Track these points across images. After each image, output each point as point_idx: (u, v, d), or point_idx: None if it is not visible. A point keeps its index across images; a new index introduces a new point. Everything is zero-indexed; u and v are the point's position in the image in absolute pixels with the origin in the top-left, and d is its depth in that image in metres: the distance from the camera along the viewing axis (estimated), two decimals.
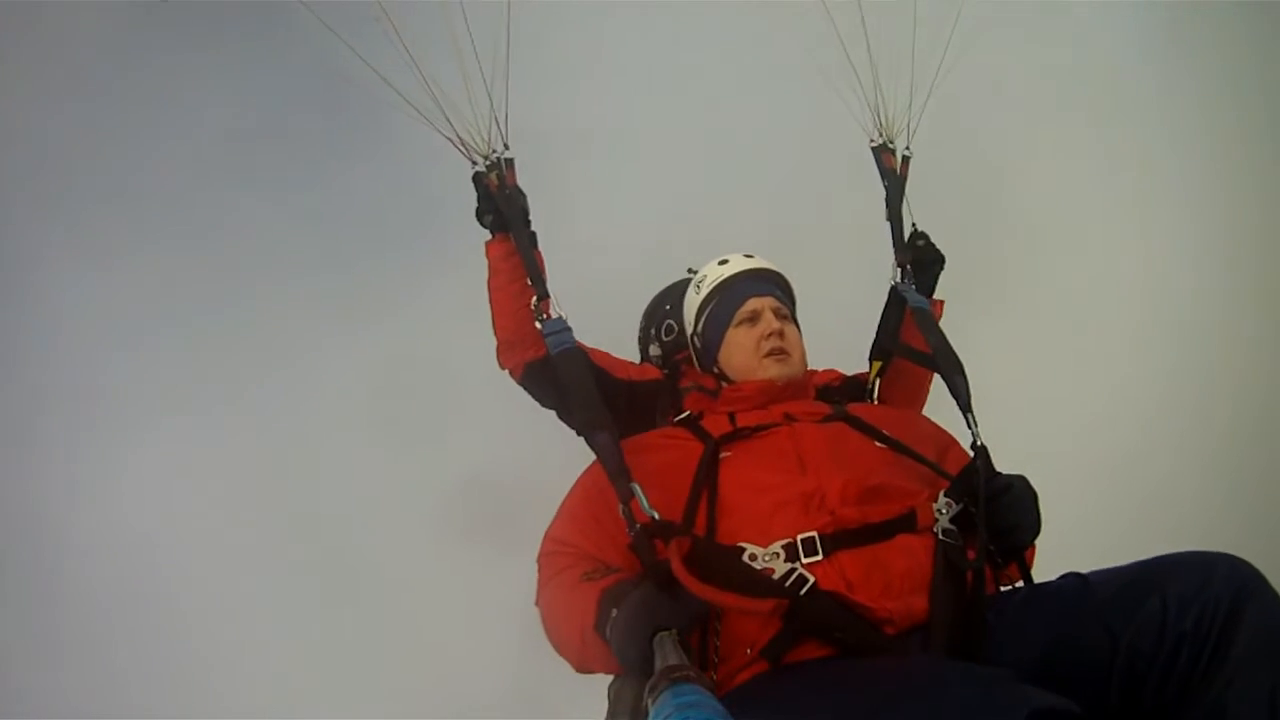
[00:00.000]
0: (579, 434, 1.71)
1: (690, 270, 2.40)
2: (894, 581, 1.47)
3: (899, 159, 2.24)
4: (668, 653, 1.29)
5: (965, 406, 1.78)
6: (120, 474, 3.43)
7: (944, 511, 1.57)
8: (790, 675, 1.43)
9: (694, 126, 3.71)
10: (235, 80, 3.49)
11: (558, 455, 1.98)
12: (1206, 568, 1.26)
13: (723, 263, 2.15)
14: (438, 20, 1.86)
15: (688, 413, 1.98)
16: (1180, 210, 3.86)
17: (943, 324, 2.07)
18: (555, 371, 1.83)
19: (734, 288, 2.08)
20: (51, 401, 3.44)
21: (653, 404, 2.14)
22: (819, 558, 1.50)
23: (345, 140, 3.51)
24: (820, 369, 2.20)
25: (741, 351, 2.03)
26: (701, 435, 1.81)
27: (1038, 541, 1.67)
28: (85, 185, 3.47)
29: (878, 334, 2.15)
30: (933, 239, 2.18)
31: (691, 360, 2.22)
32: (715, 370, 2.09)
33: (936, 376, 1.98)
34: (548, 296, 1.91)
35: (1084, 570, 1.45)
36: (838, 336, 2.28)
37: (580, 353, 1.86)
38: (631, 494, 1.55)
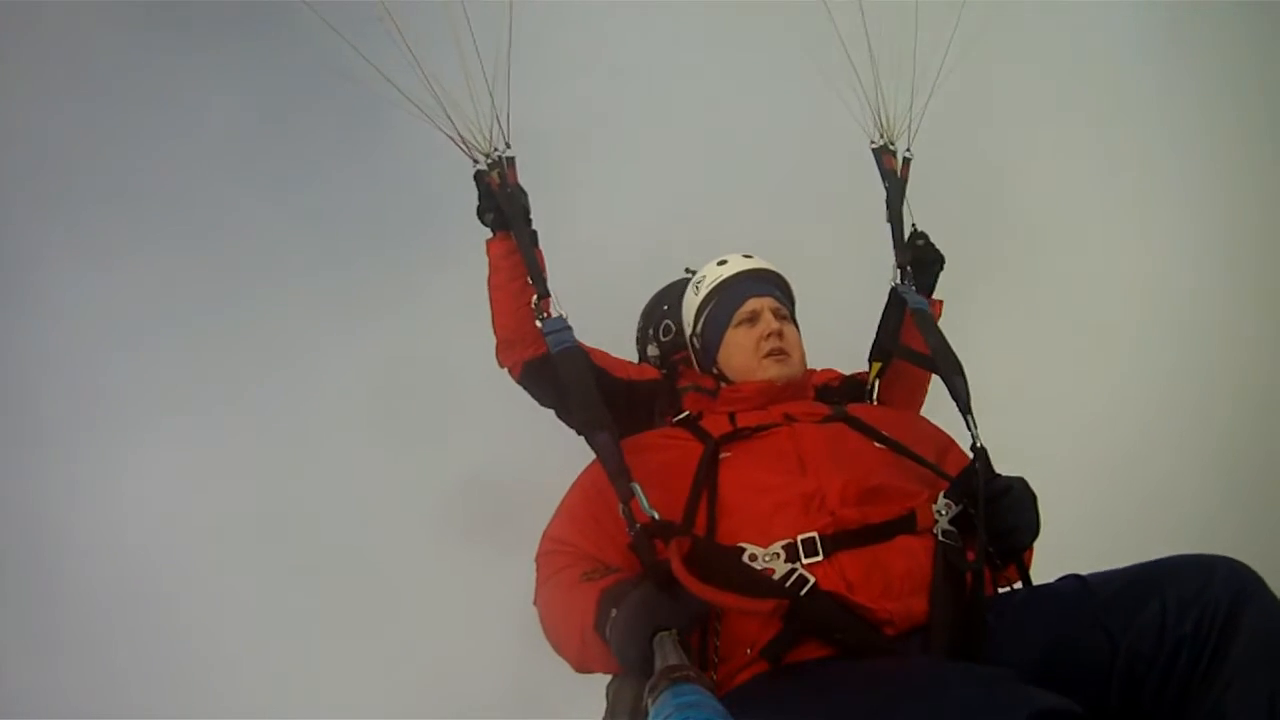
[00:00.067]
0: (579, 433, 1.71)
1: (688, 270, 2.40)
2: (894, 582, 1.47)
3: (899, 161, 2.24)
4: (668, 653, 1.29)
5: (965, 408, 1.78)
6: (120, 474, 3.43)
7: (943, 513, 1.57)
8: (790, 676, 1.43)
9: (694, 126, 3.71)
10: (235, 80, 3.49)
11: (557, 455, 1.98)
12: (1206, 571, 1.26)
13: (722, 263, 2.14)
14: (439, 19, 1.86)
15: (687, 413, 1.97)
16: (1180, 210, 3.87)
17: (942, 324, 2.07)
18: (555, 370, 1.83)
19: (733, 288, 2.07)
20: (51, 401, 3.44)
21: (651, 404, 2.14)
22: (819, 558, 1.50)
23: (345, 140, 3.51)
24: (819, 369, 2.20)
25: (741, 352, 2.02)
26: (701, 435, 1.81)
27: (1036, 542, 1.67)
28: (85, 185, 3.47)
29: (877, 335, 2.15)
30: (933, 239, 2.18)
31: (690, 360, 2.22)
32: (714, 371, 2.08)
33: (935, 377, 1.98)
34: (548, 295, 1.91)
35: (1082, 572, 1.45)
36: (838, 336, 2.28)
37: (580, 352, 1.86)
38: (631, 494, 1.55)
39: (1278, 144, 3.81)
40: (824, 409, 1.91)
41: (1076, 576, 1.45)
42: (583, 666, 1.62)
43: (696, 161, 3.68)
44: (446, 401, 3.47)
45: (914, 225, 2.18)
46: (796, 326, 2.10)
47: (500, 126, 1.93)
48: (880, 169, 2.23)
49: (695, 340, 2.14)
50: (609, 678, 1.68)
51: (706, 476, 1.68)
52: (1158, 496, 3.47)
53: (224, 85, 3.50)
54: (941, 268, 2.20)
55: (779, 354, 1.99)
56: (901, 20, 2.12)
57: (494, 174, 1.94)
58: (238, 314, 3.60)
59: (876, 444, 1.77)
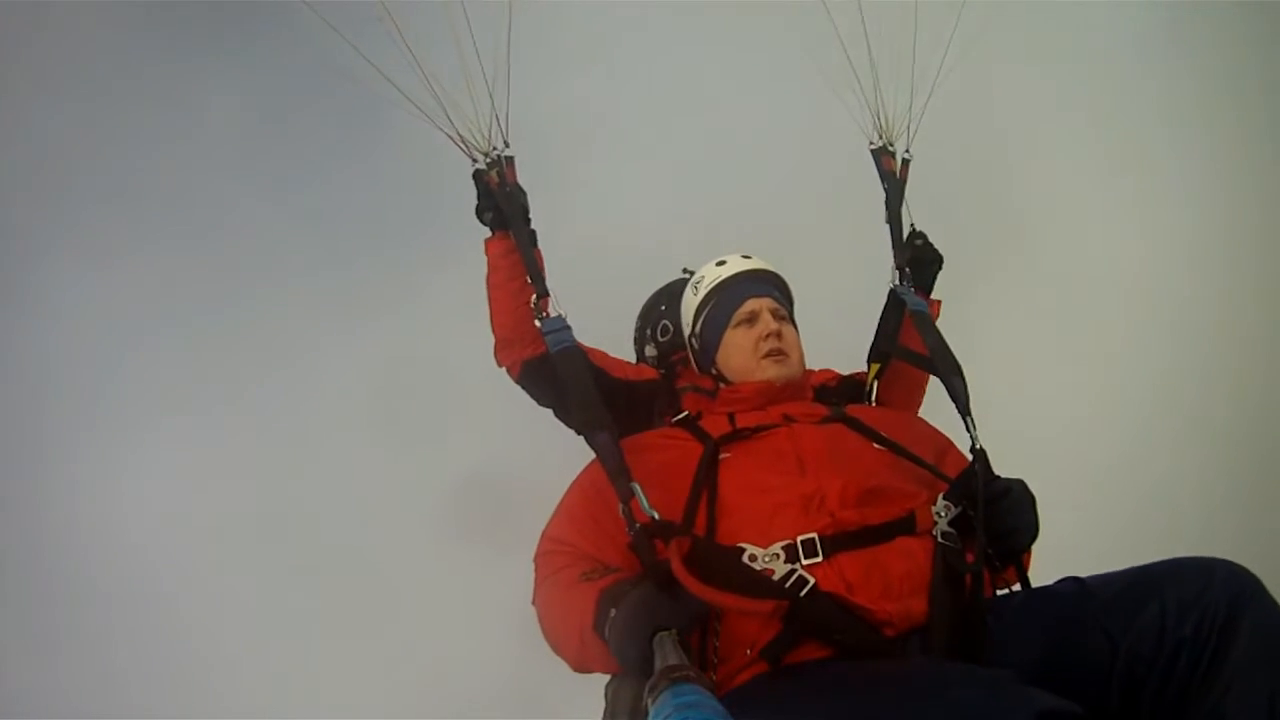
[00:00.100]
0: (578, 433, 1.71)
1: (685, 270, 2.40)
2: (893, 583, 1.47)
3: (898, 162, 2.24)
4: (667, 653, 1.29)
5: (964, 410, 1.78)
6: (120, 474, 3.43)
7: (943, 514, 1.57)
8: (790, 676, 1.42)
9: (694, 126, 3.71)
10: (235, 80, 3.49)
11: (557, 455, 1.98)
12: (1205, 573, 1.27)
13: (720, 264, 2.14)
14: (439, 18, 1.86)
15: (686, 413, 1.97)
16: (1180, 211, 3.86)
17: (941, 324, 2.07)
18: (554, 370, 1.83)
19: (732, 289, 2.07)
20: (51, 401, 3.44)
21: (650, 404, 2.14)
22: (819, 559, 1.50)
23: (345, 139, 3.52)
24: (816, 369, 2.20)
25: (740, 353, 2.02)
26: (701, 436, 1.81)
27: (1035, 544, 1.67)
28: (85, 185, 3.47)
29: (876, 336, 2.14)
30: (932, 239, 2.18)
31: (688, 361, 2.22)
32: (714, 371, 2.08)
33: (934, 378, 1.98)
34: (547, 294, 1.91)
35: (1081, 573, 1.45)
36: (837, 336, 2.28)
37: (579, 351, 1.86)
38: (631, 493, 1.55)
39: (1277, 144, 3.80)
40: (823, 410, 1.91)
41: (1075, 579, 1.46)
42: (581, 666, 1.62)
43: (696, 161, 3.68)
44: (446, 401, 3.47)
45: (913, 225, 2.18)
46: (795, 327, 2.10)
47: (499, 126, 1.93)
48: (879, 170, 2.23)
49: (694, 341, 2.14)
50: (608, 677, 1.68)
51: (706, 477, 1.68)
52: (1156, 498, 3.47)
53: (224, 85, 3.51)
54: (940, 267, 2.20)
55: (778, 354, 1.99)
56: (901, 20, 2.12)
57: (493, 173, 1.95)
58: (238, 314, 3.60)
59: (876, 445, 1.77)
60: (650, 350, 2.40)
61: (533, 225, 1.98)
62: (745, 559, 1.50)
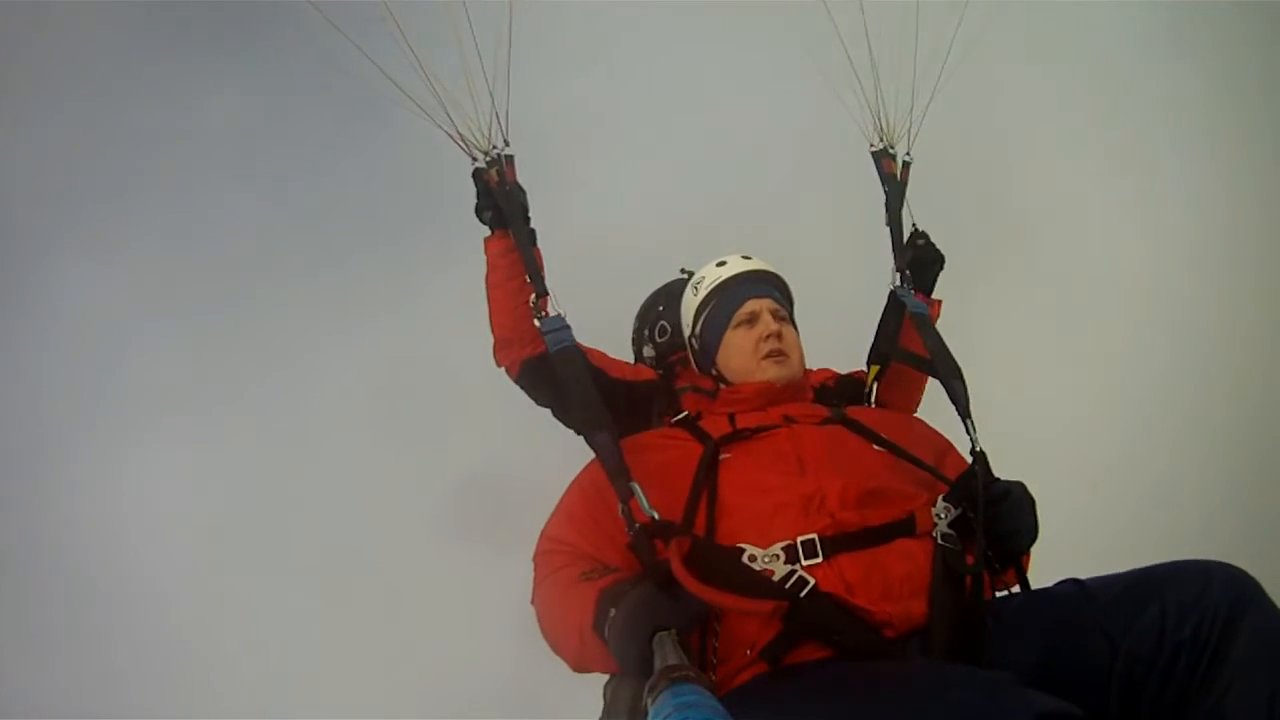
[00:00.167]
0: (577, 433, 1.71)
1: (683, 270, 2.40)
2: (893, 585, 1.47)
3: (899, 164, 2.24)
4: (667, 653, 1.29)
5: (964, 412, 1.78)
6: (120, 474, 3.43)
7: (943, 516, 1.57)
8: (790, 677, 1.42)
9: (694, 126, 3.71)
10: (235, 79, 3.49)
11: (557, 455, 1.98)
12: (1204, 576, 1.27)
13: (720, 264, 2.14)
14: (439, 17, 1.86)
15: (686, 413, 1.97)
16: (1180, 211, 3.86)
17: (941, 325, 2.07)
18: (553, 369, 1.83)
19: (732, 289, 2.07)
20: (51, 401, 3.44)
21: (649, 405, 2.14)
22: (819, 560, 1.50)
23: (345, 139, 3.52)
24: (815, 369, 2.20)
25: (740, 353, 2.02)
26: (701, 436, 1.81)
27: (1034, 546, 1.66)
28: (85, 185, 3.47)
29: (876, 338, 2.15)
30: (933, 240, 2.18)
31: (686, 361, 2.22)
32: (713, 372, 2.08)
33: (932, 378, 1.98)
34: (546, 294, 1.91)
35: (1081, 574, 1.45)
36: (837, 337, 2.28)
37: (578, 351, 1.86)
38: (631, 493, 1.55)
39: (1278, 144, 3.80)
40: (823, 411, 1.91)
41: (1075, 581, 1.46)
42: (581, 666, 1.61)
43: (696, 161, 3.68)
44: (446, 401, 3.47)
45: (914, 225, 2.18)
46: (795, 327, 2.10)
47: (499, 125, 1.93)
48: (880, 173, 2.23)
49: (694, 341, 2.14)
50: (607, 677, 1.68)
51: (706, 477, 1.68)
52: (1156, 499, 3.47)
53: (224, 85, 3.51)
54: (941, 267, 2.20)
55: (778, 355, 1.98)
56: (902, 21, 2.11)
57: (492, 172, 1.94)
58: (238, 314, 3.61)
59: (876, 446, 1.77)
60: (648, 351, 2.39)
61: (532, 224, 1.97)
62: (745, 559, 1.50)
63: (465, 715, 3.17)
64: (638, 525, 1.52)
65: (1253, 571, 1.28)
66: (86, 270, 3.44)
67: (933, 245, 2.18)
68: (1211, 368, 3.67)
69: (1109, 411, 3.67)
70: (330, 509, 3.52)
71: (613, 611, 1.43)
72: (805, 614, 1.42)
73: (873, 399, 2.18)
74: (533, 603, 1.70)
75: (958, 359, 1.88)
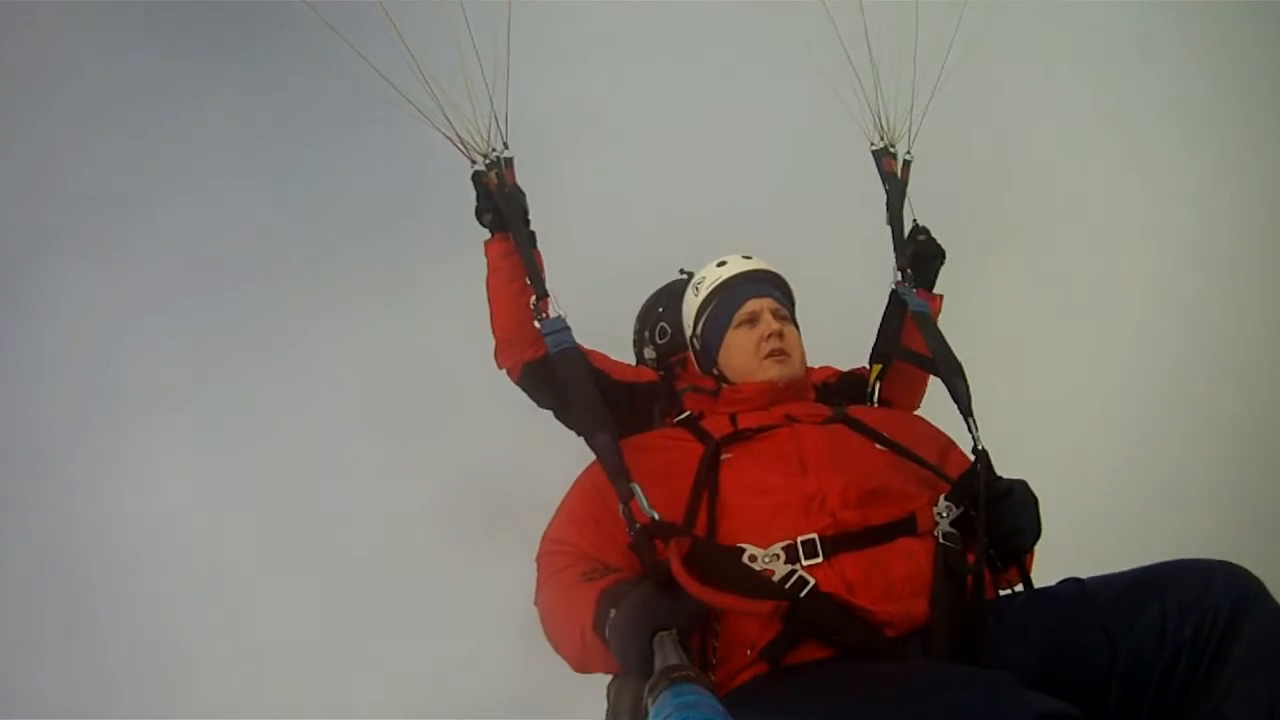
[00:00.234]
0: (578, 434, 1.71)
1: (682, 271, 2.40)
2: (895, 584, 1.47)
3: (899, 163, 2.24)
4: (668, 653, 1.28)
5: (966, 411, 1.77)
6: (120, 474, 3.43)
7: (944, 515, 1.56)
8: (790, 677, 1.42)
9: (693, 126, 3.71)
10: (235, 79, 3.49)
11: (557, 455, 1.98)
12: (1206, 576, 1.26)
13: (721, 264, 2.14)
14: (438, 19, 1.86)
15: (688, 413, 1.97)
16: (1185, 210, 3.86)
17: (943, 323, 2.07)
18: (554, 371, 1.83)
19: (733, 289, 2.07)
20: (51, 401, 3.44)
21: (651, 406, 2.13)
22: (819, 560, 1.49)
23: (344, 138, 3.51)
24: (816, 366, 2.20)
25: (741, 353, 2.02)
26: (702, 436, 1.81)
27: (1038, 544, 1.66)
28: (85, 185, 3.47)
29: (878, 337, 2.15)
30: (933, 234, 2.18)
31: (687, 362, 2.22)
32: (715, 372, 2.08)
33: (934, 376, 1.98)
34: (547, 295, 1.91)
35: (1085, 574, 1.45)
36: (838, 336, 2.28)
37: (579, 352, 1.86)
38: (631, 494, 1.55)
39: None
40: (825, 410, 1.91)
41: (1077, 580, 1.45)
42: (583, 667, 1.61)
43: (696, 161, 3.67)
44: (449, 402, 3.47)
45: (915, 220, 2.19)
46: (797, 327, 2.10)
47: (498, 127, 1.93)
48: (880, 171, 2.23)
49: (695, 341, 2.14)
50: (610, 678, 1.68)
51: (707, 477, 1.67)
52: (1161, 498, 3.46)
53: (224, 85, 3.51)
54: (942, 262, 2.21)
55: (779, 355, 1.98)
56: (902, 20, 2.11)
57: (492, 175, 1.94)
58: (239, 314, 3.61)
59: (878, 446, 1.77)
60: (649, 353, 2.40)
61: (532, 226, 1.97)
62: (745, 559, 1.49)
63: (466, 716, 3.18)
64: (638, 526, 1.52)
65: (1259, 571, 1.26)
66: (86, 270, 3.44)
67: (933, 240, 2.18)
68: (1216, 367, 3.67)
69: (1113, 411, 3.67)
70: (330, 509, 3.52)
71: (613, 612, 1.43)
72: (805, 614, 1.42)
73: (875, 398, 2.17)
74: (536, 603, 1.70)
75: (960, 358, 1.88)
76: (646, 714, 1.13)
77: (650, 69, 3.76)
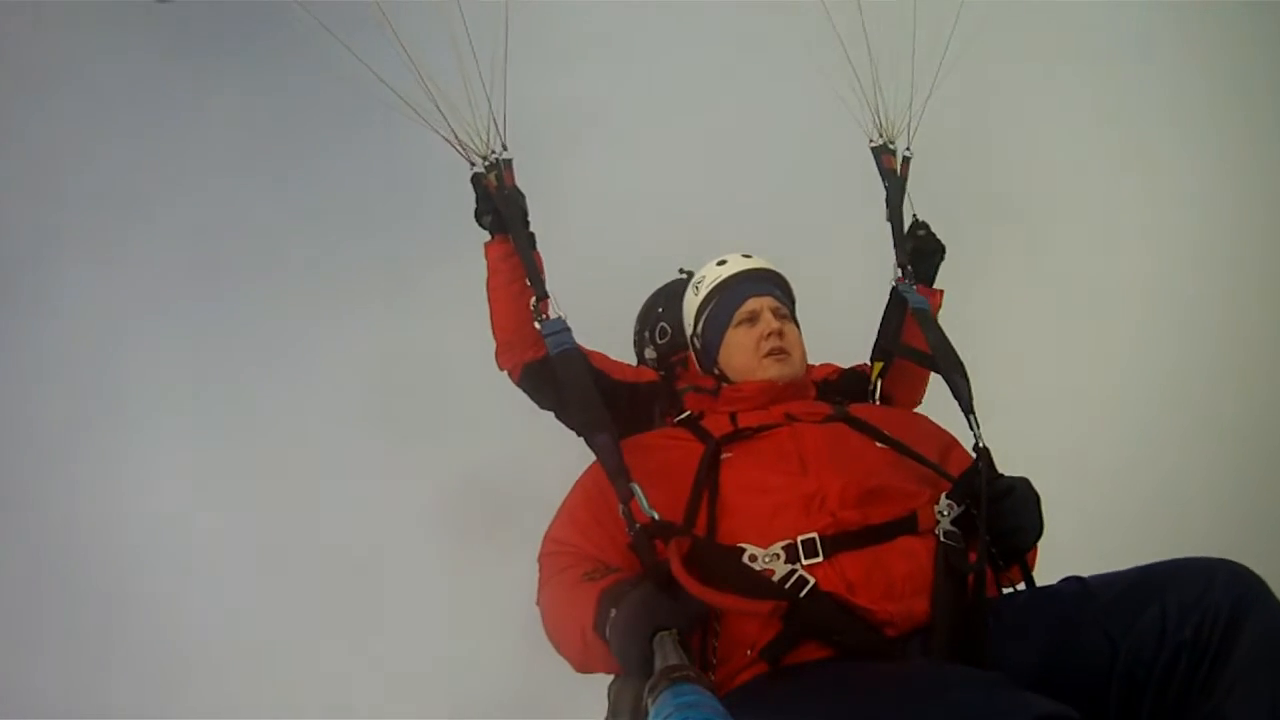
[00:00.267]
0: (579, 435, 1.71)
1: (681, 271, 2.40)
2: (895, 584, 1.46)
3: (899, 160, 2.24)
4: (668, 653, 1.28)
5: (967, 408, 1.77)
6: (120, 474, 3.43)
7: (945, 513, 1.56)
8: (790, 677, 1.42)
9: (693, 126, 3.71)
10: (234, 80, 3.49)
11: (558, 455, 1.98)
12: (1207, 575, 1.25)
13: (721, 263, 2.14)
14: (436, 21, 1.85)
15: (688, 413, 1.97)
16: (1185, 210, 3.85)
17: (944, 321, 2.07)
18: (554, 372, 1.83)
19: (733, 288, 2.07)
20: (51, 401, 3.44)
21: (652, 406, 2.13)
22: (819, 559, 1.49)
23: (343, 138, 3.51)
24: (816, 364, 2.20)
25: (741, 352, 2.02)
26: (702, 435, 1.80)
27: (1040, 542, 1.66)
28: (85, 185, 3.47)
29: (879, 335, 2.15)
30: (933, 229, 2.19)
31: (687, 362, 2.22)
32: (715, 371, 2.08)
33: (935, 374, 1.98)
34: (547, 297, 1.91)
35: (1086, 573, 1.45)
36: (838, 336, 2.28)
37: (579, 353, 1.86)
38: (631, 494, 1.55)
39: None
40: (825, 409, 1.91)
41: (1078, 579, 1.45)
42: (584, 667, 1.61)
43: (696, 161, 3.67)
44: (449, 402, 3.47)
45: (915, 216, 2.19)
46: (797, 325, 2.10)
47: (497, 129, 1.92)
48: (880, 168, 2.23)
49: (696, 340, 2.14)
50: (611, 678, 1.68)
51: (707, 477, 1.67)
52: (1162, 497, 3.46)
53: (223, 85, 3.50)
54: (942, 257, 2.21)
55: (779, 353, 1.98)
56: (901, 19, 2.11)
57: (491, 176, 1.94)
58: (238, 314, 3.61)
59: (878, 444, 1.77)
60: (650, 353, 2.40)
61: (531, 228, 1.97)
62: (745, 559, 1.49)
63: (467, 716, 3.17)
64: (638, 526, 1.52)
65: (1260, 570, 1.26)
66: (86, 270, 3.44)
67: (933, 235, 2.19)
68: (1216, 367, 3.66)
69: (1113, 411, 3.66)
70: (331, 509, 3.52)
71: (613, 612, 1.43)
72: (805, 614, 1.42)
73: (877, 396, 2.17)
74: (538, 604, 1.70)
75: (961, 355, 1.88)
76: (647, 714, 1.13)
77: (650, 69, 3.76)
